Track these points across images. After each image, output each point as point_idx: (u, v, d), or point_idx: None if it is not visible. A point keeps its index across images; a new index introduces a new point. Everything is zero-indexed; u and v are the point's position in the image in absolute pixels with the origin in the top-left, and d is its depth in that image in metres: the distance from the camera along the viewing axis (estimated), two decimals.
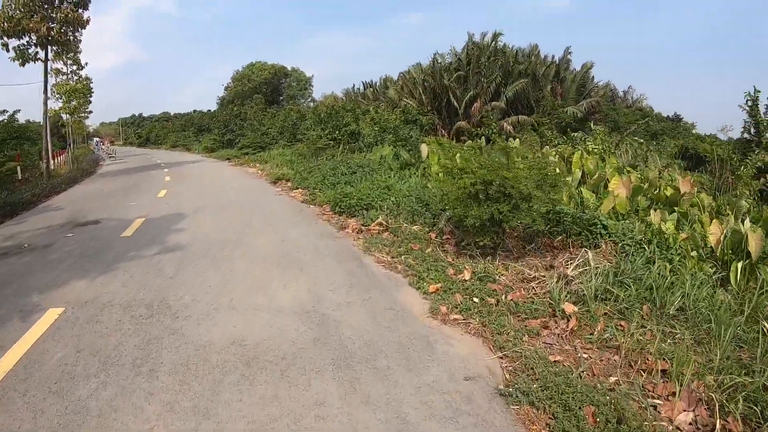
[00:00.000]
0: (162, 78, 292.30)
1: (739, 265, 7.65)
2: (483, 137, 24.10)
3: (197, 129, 57.55)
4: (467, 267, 8.65)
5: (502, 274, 8.29)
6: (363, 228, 11.98)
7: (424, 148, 20.62)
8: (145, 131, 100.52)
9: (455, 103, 45.70)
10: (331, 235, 11.67)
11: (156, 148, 79.26)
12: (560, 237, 9.66)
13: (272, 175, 21.26)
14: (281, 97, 63.53)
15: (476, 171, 10.05)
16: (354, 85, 65.94)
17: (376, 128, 27.66)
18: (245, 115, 43.76)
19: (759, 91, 17.12)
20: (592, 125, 49.89)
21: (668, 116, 59.32)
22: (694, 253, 8.44)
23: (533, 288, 7.53)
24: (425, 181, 17.27)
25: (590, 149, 18.06)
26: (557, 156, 18.22)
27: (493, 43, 50.28)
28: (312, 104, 51.64)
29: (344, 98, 51.37)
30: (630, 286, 6.80)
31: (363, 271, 8.83)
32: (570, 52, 53.13)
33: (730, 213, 11.48)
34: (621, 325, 6.06)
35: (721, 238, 8.48)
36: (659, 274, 7.07)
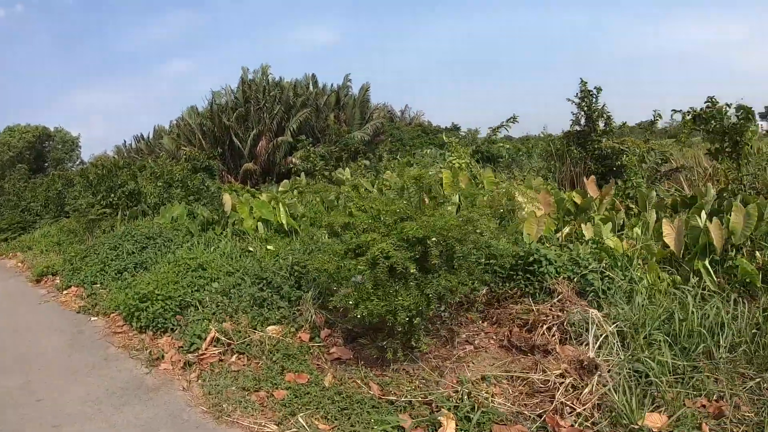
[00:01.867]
0: None
1: (706, 262, 7.26)
2: (302, 173, 20.07)
3: None
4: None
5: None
6: (190, 355, 7.55)
7: (227, 199, 16.30)
8: None
9: (239, 145, 41.36)
10: (140, 383, 7.05)
11: None
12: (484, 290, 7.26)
13: (35, 269, 15.59)
14: (46, 164, 55.07)
15: (386, 224, 6.41)
16: (125, 141, 58.98)
17: (160, 184, 22.65)
18: (2, 189, 36.08)
19: (586, 82, 16.42)
20: (380, 147, 48.55)
21: (446, 127, 59.22)
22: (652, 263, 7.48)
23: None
24: (243, 242, 13.06)
25: (455, 164, 14.77)
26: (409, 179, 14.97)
27: (264, 76, 46.81)
28: (81, 167, 44.76)
29: (116, 157, 45.19)
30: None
31: None
32: (350, 79, 51.13)
33: (638, 208, 11.04)
34: None
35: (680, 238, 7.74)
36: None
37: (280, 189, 16.37)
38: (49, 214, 28.34)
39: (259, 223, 14.02)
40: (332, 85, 51.19)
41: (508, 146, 21.73)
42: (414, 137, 54.00)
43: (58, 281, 13.99)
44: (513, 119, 19.10)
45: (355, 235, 6.98)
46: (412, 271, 6.17)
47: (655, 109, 17.40)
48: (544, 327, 6.58)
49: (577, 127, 17.17)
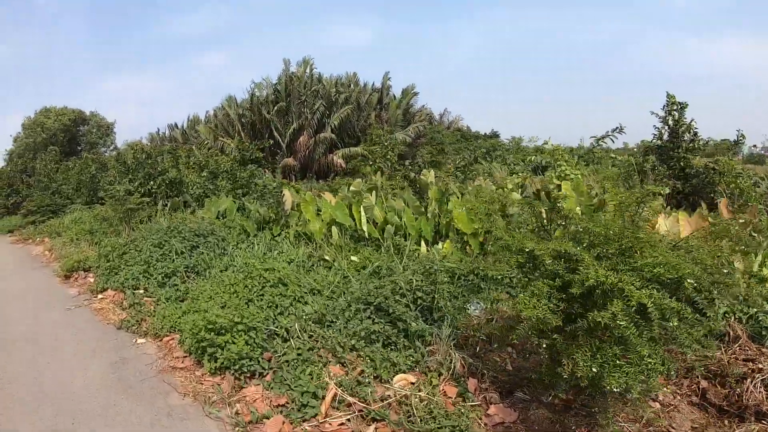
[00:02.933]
0: None
1: None
2: (378, 172, 17.50)
3: None
4: None
5: None
6: (307, 426, 5.10)
7: (288, 197, 13.86)
8: None
9: (278, 139, 38.88)
10: None
11: None
12: None
13: (65, 261, 13.12)
14: (80, 147, 52.92)
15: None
16: (159, 129, 56.72)
17: (205, 174, 20.21)
18: (33, 170, 33.86)
19: (673, 96, 15.15)
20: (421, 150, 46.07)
21: (485, 133, 56.51)
22: None
23: None
24: (308, 247, 10.92)
25: (566, 174, 12.30)
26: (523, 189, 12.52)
27: (309, 70, 44.27)
28: (115, 153, 42.49)
29: (149, 144, 42.88)
30: None
31: None
32: (389, 78, 48.41)
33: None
34: None
35: None
36: None
37: (352, 189, 13.79)
38: (81, 198, 26.01)
39: (333, 228, 11.50)
40: (372, 84, 48.69)
41: (620, 158, 18.97)
42: (453, 142, 51.52)
43: (92, 280, 11.52)
44: (619, 129, 16.57)
45: (566, 269, 4.43)
46: (674, 323, 3.79)
47: (738, 128, 16.49)
48: (751, 382, 5.06)
49: (659, 142, 15.86)
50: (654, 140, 16.11)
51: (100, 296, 10.20)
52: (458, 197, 12.24)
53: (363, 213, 11.42)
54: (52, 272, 12.99)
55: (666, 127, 15.69)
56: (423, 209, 11.76)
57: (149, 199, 17.07)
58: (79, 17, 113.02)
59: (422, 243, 10.46)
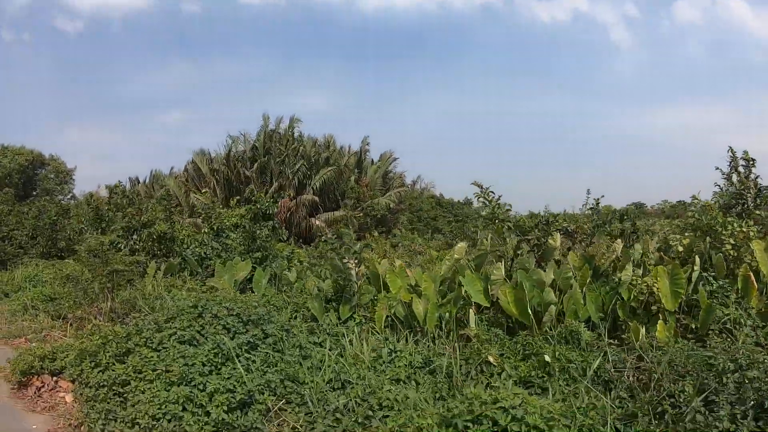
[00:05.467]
0: None
1: None
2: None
3: None
4: None
5: None
6: None
7: (352, 269, 9.35)
8: None
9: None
10: None
11: None
12: None
13: (19, 354, 7.74)
14: (35, 192, 46.37)
15: None
16: (120, 182, 50.67)
17: (206, 230, 15.16)
18: None
19: (735, 151, 12.07)
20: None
21: (459, 200, 52.68)
22: None
23: None
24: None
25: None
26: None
27: (291, 130, 39.83)
28: (73, 202, 36.68)
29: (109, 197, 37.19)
30: None
31: None
32: (368, 143, 44.35)
33: None
34: None
35: None
36: None
37: (455, 255, 9.08)
38: (36, 248, 20.40)
39: (471, 312, 7.10)
40: (349, 147, 44.73)
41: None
42: (430, 209, 47.79)
43: (68, 399, 6.48)
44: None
45: None
46: None
47: None
48: None
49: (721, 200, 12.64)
50: (715, 200, 12.54)
51: None
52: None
53: (508, 289, 7.05)
54: None
55: (730, 184, 12.47)
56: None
57: (144, 258, 11.97)
58: (44, 62, 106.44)
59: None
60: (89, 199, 18.31)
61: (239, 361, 6.28)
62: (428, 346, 7.33)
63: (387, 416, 5.08)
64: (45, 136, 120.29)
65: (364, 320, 8.43)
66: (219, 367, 6.21)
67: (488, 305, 8.10)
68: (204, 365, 6.08)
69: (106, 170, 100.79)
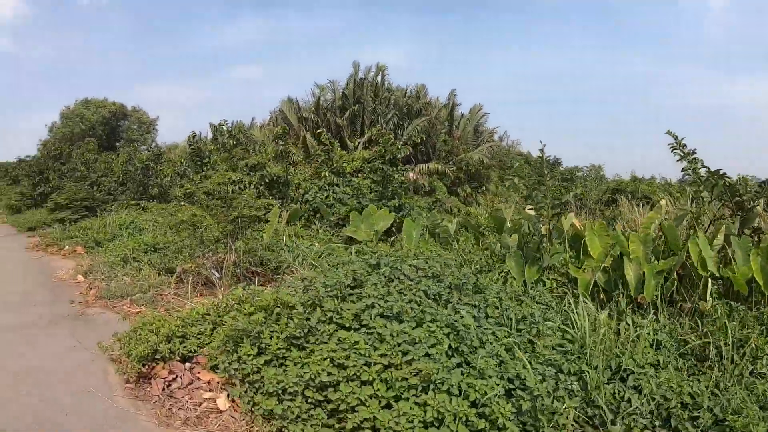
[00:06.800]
0: None
1: None
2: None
3: (12, 180, 37.70)
4: None
5: None
6: None
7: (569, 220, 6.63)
8: None
9: (351, 149, 31.58)
10: None
11: None
12: None
13: (130, 337, 5.30)
14: (118, 143, 45.55)
15: None
16: (200, 132, 49.18)
17: (325, 174, 12.67)
18: (68, 157, 26.13)
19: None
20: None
21: (548, 159, 48.83)
22: None
23: None
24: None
25: None
26: None
27: (381, 77, 37.13)
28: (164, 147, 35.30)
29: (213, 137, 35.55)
30: None
31: None
32: (455, 95, 41.18)
33: None
34: None
35: None
36: None
37: (657, 215, 6.42)
38: (126, 194, 18.44)
39: (709, 282, 6.08)
40: (437, 99, 41.63)
41: None
42: (519, 166, 44.46)
43: (221, 406, 3.97)
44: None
45: None
46: None
47: None
48: None
49: None
50: None
51: None
52: None
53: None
54: (98, 347, 5.29)
55: None
56: None
57: (276, 202, 9.58)
58: (120, 23, 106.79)
59: None
60: (191, 139, 15.98)
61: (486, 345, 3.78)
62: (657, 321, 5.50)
63: None
64: (123, 93, 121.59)
65: (555, 284, 6.60)
66: (464, 356, 3.70)
67: (721, 275, 6.27)
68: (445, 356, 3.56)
69: (183, 123, 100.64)
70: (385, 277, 4.88)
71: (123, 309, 7.03)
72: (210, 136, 17.94)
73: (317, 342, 4.02)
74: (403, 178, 12.13)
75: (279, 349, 4.06)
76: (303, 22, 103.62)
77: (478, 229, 10.27)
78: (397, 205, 11.20)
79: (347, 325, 4.09)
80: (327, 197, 11.21)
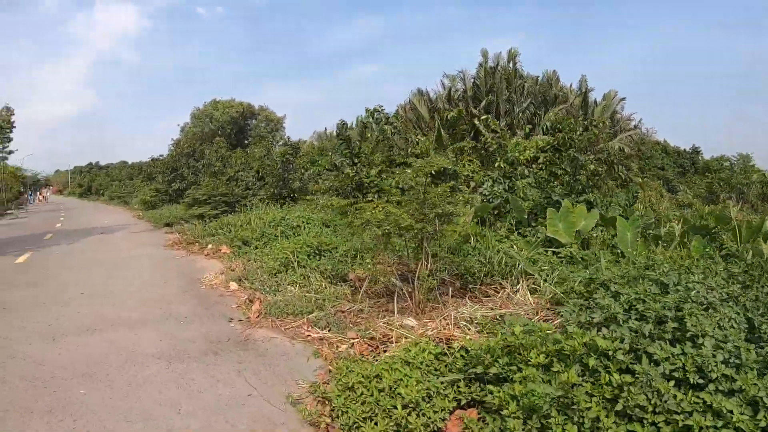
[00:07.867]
0: (124, 125, 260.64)
1: None
2: None
3: (147, 177, 38.90)
4: None
5: None
6: None
7: None
8: (86, 180, 78.47)
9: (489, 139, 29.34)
10: None
11: (95, 199, 58.04)
12: None
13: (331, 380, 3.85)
14: (247, 141, 46.13)
15: None
16: (326, 129, 48.78)
17: (502, 165, 10.83)
18: (201, 154, 25.87)
19: None
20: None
21: (685, 149, 44.74)
22: None
23: None
24: None
25: None
26: None
27: (513, 65, 34.73)
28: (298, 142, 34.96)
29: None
30: None
31: None
32: (587, 81, 37.97)
33: None
34: None
35: None
36: None
37: None
38: (265, 189, 17.39)
39: None
40: (570, 86, 38.57)
41: None
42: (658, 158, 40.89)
43: None
44: None
45: None
46: None
47: None
48: None
49: None
50: None
51: None
52: None
53: None
54: (287, 400, 3.67)
55: None
56: None
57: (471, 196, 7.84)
58: (237, 32, 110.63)
59: None
60: (341, 128, 14.61)
61: None
62: None
63: None
64: (247, 95, 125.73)
65: None
66: None
67: None
68: None
69: (304, 122, 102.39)
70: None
71: (299, 333, 5.45)
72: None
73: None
74: (599, 169, 10.02)
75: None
76: (416, 18, 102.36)
77: (710, 231, 8.12)
78: (591, 199, 9.17)
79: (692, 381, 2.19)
80: (512, 190, 9.33)
